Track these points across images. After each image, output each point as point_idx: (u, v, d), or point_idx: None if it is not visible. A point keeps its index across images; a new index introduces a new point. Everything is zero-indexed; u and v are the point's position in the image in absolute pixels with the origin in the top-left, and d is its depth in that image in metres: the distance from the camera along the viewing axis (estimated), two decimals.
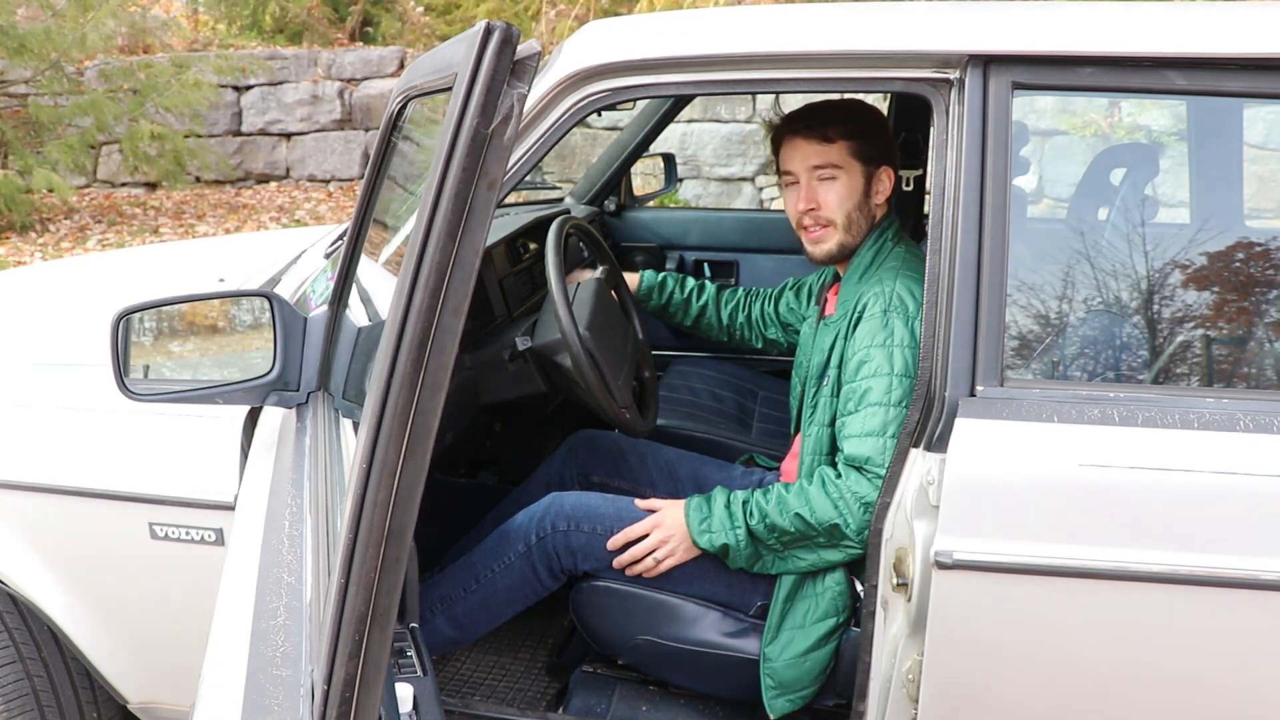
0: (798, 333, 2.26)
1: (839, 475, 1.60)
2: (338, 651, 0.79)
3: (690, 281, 2.41)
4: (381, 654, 0.78)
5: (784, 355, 2.45)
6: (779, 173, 1.87)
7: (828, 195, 1.79)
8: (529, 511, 1.82)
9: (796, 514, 1.59)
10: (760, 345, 2.40)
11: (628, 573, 1.73)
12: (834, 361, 1.73)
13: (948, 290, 1.41)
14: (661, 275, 2.41)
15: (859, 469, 1.58)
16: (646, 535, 1.71)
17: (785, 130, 1.83)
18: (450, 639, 1.83)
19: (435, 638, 1.81)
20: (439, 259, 0.72)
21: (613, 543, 1.73)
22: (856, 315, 1.70)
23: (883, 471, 1.53)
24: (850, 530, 1.56)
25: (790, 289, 2.33)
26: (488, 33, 0.74)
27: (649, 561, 1.71)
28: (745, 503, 1.65)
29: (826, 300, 1.99)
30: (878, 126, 1.84)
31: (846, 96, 1.90)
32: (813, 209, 1.80)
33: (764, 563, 1.66)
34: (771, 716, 1.70)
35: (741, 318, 2.38)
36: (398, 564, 0.77)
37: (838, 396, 1.69)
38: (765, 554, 1.65)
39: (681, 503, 1.72)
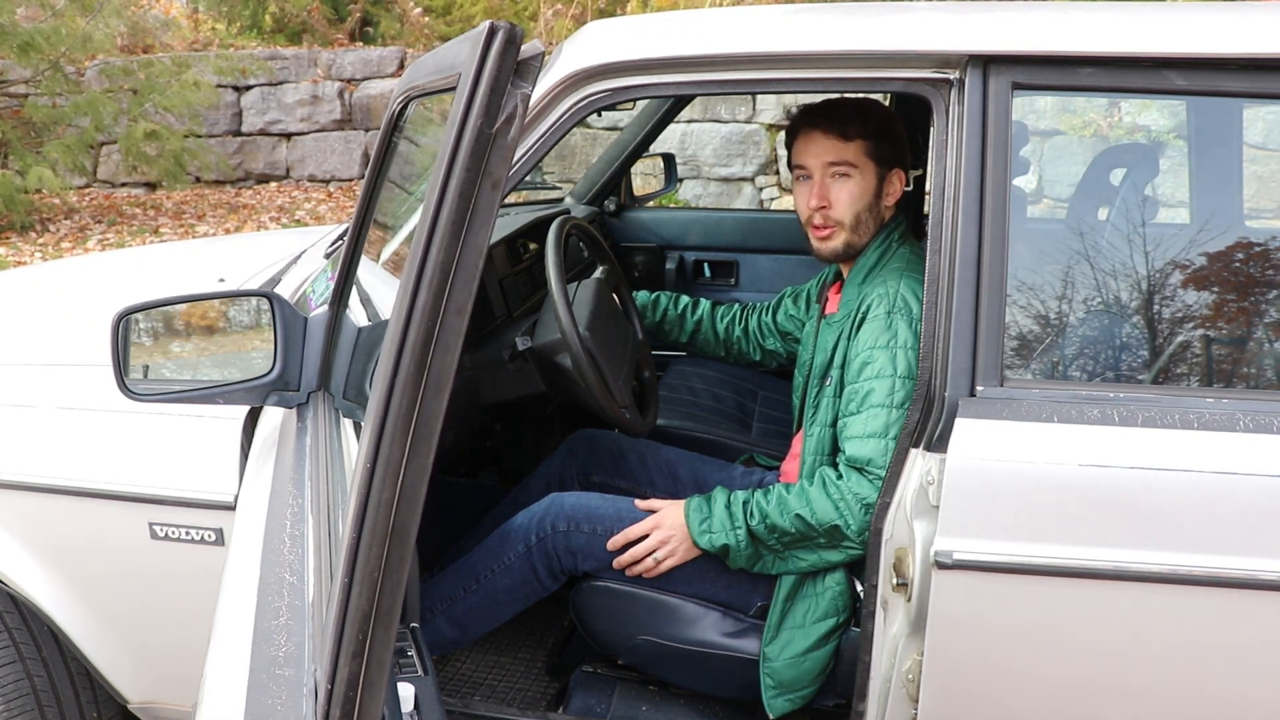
0: (797, 342, 2.25)
1: (840, 476, 1.60)
2: (341, 651, 0.79)
3: (684, 298, 2.38)
4: (385, 653, 0.78)
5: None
6: (791, 166, 1.84)
7: (840, 194, 1.77)
8: (529, 512, 1.82)
9: (797, 515, 1.59)
10: (759, 358, 2.36)
11: (628, 573, 1.73)
12: (836, 362, 1.73)
13: (948, 290, 1.41)
14: (655, 294, 2.39)
15: (860, 470, 1.58)
16: (646, 536, 1.71)
17: (803, 123, 1.80)
18: (450, 639, 1.84)
19: (435, 637, 1.81)
20: (443, 258, 0.72)
21: (613, 543, 1.73)
22: (860, 315, 1.70)
23: (884, 473, 1.53)
24: (851, 531, 1.57)
25: (789, 297, 2.31)
26: (491, 33, 0.74)
27: (649, 562, 1.71)
28: (745, 503, 1.65)
29: (828, 299, 1.99)
30: (894, 128, 1.82)
31: (864, 95, 1.87)
32: (824, 207, 1.78)
33: (764, 563, 1.66)
34: (771, 716, 1.70)
35: (738, 331, 2.35)
36: (401, 563, 0.77)
37: (839, 397, 1.69)
38: (765, 554, 1.66)
39: (681, 503, 1.72)
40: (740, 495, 1.67)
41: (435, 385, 0.73)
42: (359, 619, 0.77)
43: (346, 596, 0.78)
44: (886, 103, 2.53)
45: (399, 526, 0.75)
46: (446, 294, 0.72)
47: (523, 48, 0.74)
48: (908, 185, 1.85)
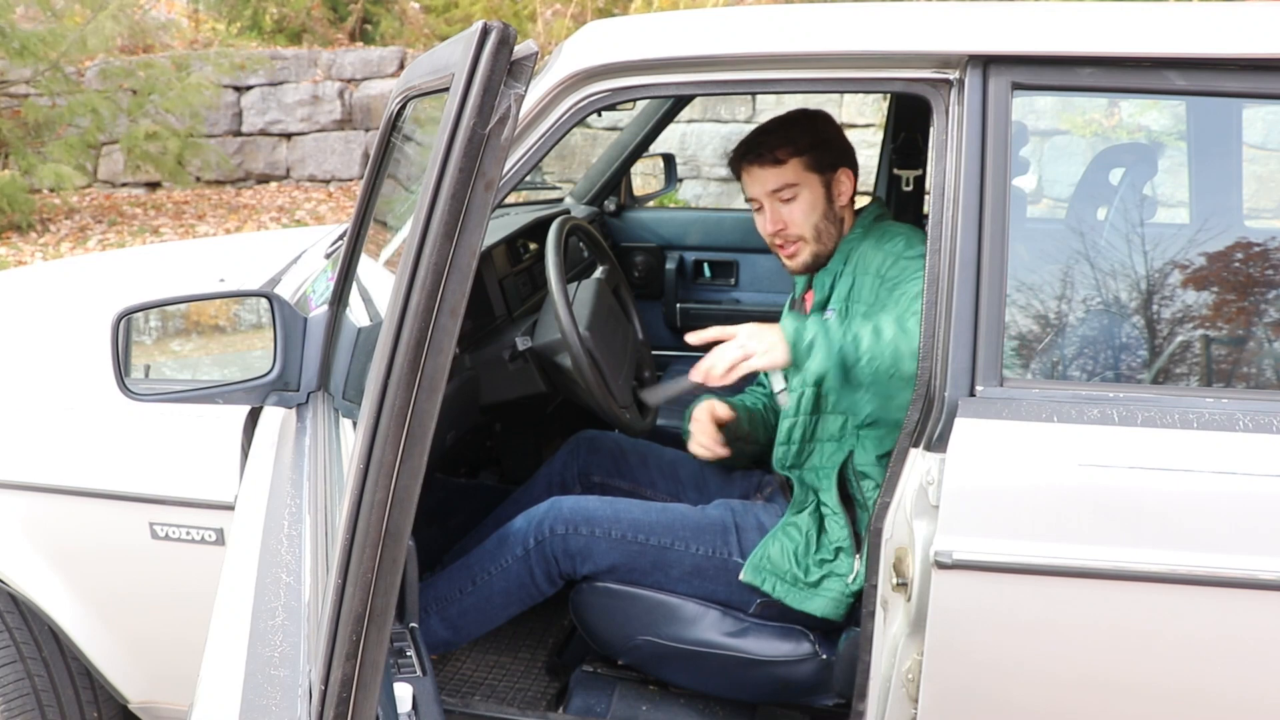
0: None
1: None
2: (335, 652, 0.79)
3: (748, 400, 2.13)
4: (379, 654, 0.78)
5: None
6: (746, 200, 1.89)
7: (793, 213, 1.81)
8: (528, 515, 1.82)
9: (884, 342, 1.51)
10: None
11: (708, 376, 1.58)
12: (838, 295, 1.76)
13: (947, 290, 1.40)
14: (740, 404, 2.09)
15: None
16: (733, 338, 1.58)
17: (739, 162, 1.85)
18: (444, 640, 1.84)
19: (429, 638, 1.81)
20: (436, 260, 0.72)
21: (696, 338, 1.59)
22: (867, 257, 1.74)
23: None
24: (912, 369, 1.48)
25: None
26: (485, 33, 0.74)
27: (737, 353, 1.56)
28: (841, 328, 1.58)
29: (806, 300, 1.98)
30: (827, 132, 1.86)
31: (791, 110, 1.90)
32: (781, 229, 1.82)
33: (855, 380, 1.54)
34: (741, 577, 1.72)
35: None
36: (395, 564, 0.77)
37: (849, 319, 1.71)
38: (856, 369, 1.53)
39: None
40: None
41: (428, 386, 0.73)
42: (353, 620, 0.76)
43: (340, 597, 0.78)
44: (886, 102, 2.53)
45: (392, 528, 0.75)
46: (439, 295, 0.72)
47: (516, 48, 0.74)
48: (907, 185, 1.85)
